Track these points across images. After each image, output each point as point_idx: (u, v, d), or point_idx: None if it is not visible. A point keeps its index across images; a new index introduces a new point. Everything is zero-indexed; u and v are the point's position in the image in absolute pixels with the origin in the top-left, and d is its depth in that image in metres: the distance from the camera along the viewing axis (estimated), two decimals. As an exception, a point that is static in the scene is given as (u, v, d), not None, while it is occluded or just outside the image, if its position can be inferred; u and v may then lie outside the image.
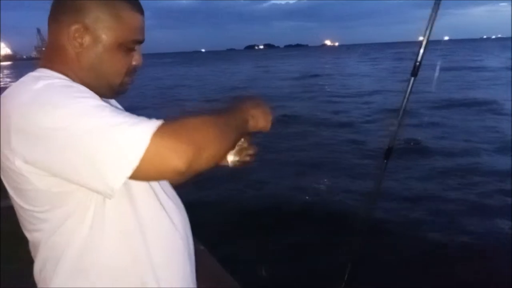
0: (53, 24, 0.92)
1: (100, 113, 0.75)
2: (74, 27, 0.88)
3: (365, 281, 2.97)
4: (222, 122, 0.84)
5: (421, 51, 2.05)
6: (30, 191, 0.82)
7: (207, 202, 5.36)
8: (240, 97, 1.01)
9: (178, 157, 0.73)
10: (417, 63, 2.04)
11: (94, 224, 0.84)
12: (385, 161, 2.10)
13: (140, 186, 0.90)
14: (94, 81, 0.91)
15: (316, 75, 27.42)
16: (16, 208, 0.89)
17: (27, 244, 0.93)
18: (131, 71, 0.96)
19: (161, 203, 0.95)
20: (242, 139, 1.06)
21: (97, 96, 0.82)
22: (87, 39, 0.89)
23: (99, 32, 0.89)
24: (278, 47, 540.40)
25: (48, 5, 0.92)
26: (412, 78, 2.05)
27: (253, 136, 1.07)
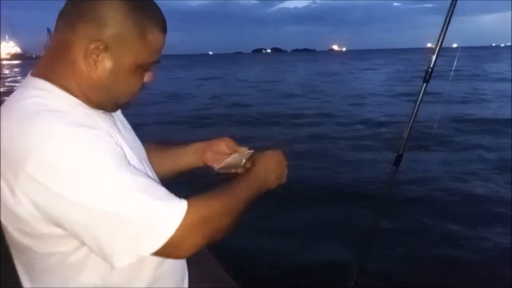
0: (65, 28, 0.82)
1: (128, 188, 0.72)
2: (94, 45, 0.80)
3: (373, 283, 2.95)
4: (243, 201, 0.88)
5: (434, 57, 2.04)
6: (29, 232, 0.77)
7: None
8: (263, 153, 1.06)
9: (198, 245, 0.77)
10: (429, 69, 2.03)
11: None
12: (395, 167, 2.09)
13: None
14: (102, 99, 0.86)
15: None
16: (6, 230, 0.83)
17: None
18: (141, 88, 0.92)
19: None
20: (246, 152, 1.09)
21: (119, 150, 0.79)
22: (105, 59, 0.82)
23: (120, 53, 0.82)
24: (285, 51, 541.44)
25: (60, 5, 0.85)
26: (424, 84, 2.03)
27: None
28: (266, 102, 15.69)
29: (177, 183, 1.05)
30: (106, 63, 0.82)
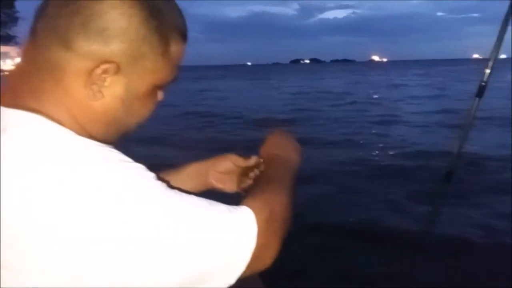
0: (53, 41, 0.57)
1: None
2: (102, 68, 0.58)
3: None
4: (288, 187, 0.76)
5: (487, 70, 1.97)
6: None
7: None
8: (272, 133, 0.97)
9: (273, 252, 0.64)
10: (483, 83, 1.97)
11: None
12: (446, 184, 2.03)
13: None
14: (108, 134, 0.65)
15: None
16: None
17: None
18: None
19: None
20: (260, 161, 0.96)
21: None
22: (114, 84, 0.60)
23: (135, 75, 0.61)
24: (324, 61, 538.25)
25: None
26: (477, 99, 1.97)
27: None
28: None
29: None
30: (117, 89, 0.60)
